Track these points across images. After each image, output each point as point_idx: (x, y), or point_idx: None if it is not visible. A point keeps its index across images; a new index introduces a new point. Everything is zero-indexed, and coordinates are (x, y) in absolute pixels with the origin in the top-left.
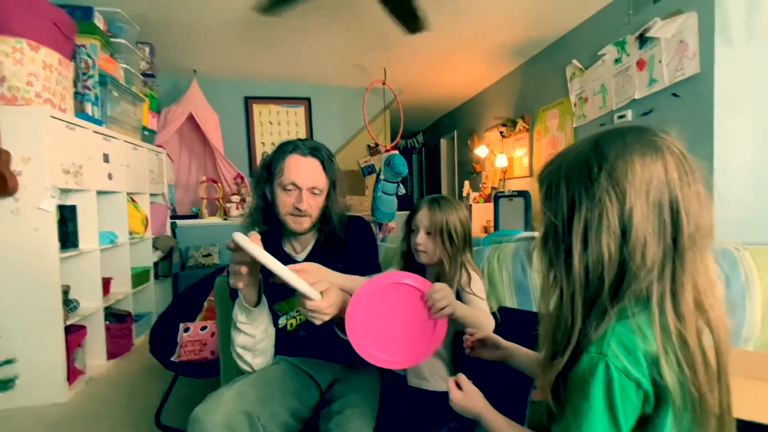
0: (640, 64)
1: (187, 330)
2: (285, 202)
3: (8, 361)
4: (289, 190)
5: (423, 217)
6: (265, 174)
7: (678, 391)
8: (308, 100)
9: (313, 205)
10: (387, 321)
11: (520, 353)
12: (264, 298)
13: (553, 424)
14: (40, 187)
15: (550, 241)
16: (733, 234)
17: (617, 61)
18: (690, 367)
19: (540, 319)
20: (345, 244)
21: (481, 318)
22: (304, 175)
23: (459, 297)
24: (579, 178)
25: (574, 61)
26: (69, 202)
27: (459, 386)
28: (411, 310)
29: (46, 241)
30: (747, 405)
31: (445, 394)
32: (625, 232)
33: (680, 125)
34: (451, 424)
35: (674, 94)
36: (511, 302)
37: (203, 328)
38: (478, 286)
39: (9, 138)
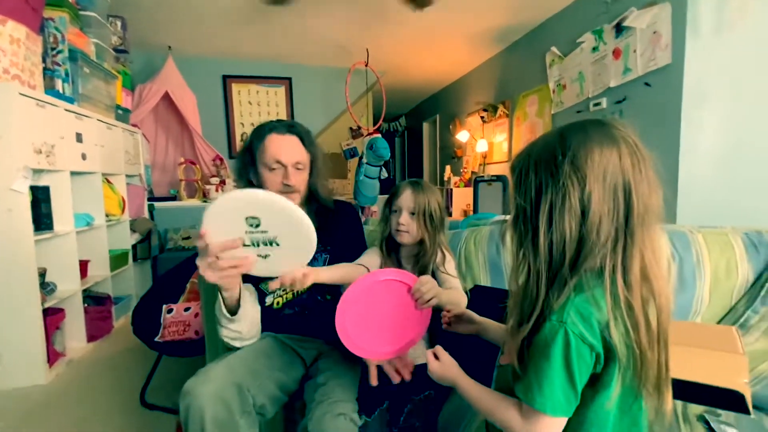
0: (616, 53)
1: (170, 311)
2: (273, 180)
3: None
4: (275, 168)
5: (406, 198)
6: (248, 157)
7: (624, 350)
8: (289, 80)
9: (300, 180)
10: (377, 317)
11: (492, 327)
12: (243, 297)
13: (516, 384)
14: (11, 167)
15: (520, 222)
16: (696, 215)
17: (595, 49)
18: (634, 329)
19: (509, 293)
20: (335, 228)
21: (458, 298)
22: (286, 151)
23: (434, 275)
24: (546, 165)
25: (553, 48)
26: (42, 183)
27: (436, 357)
28: (399, 304)
29: (19, 223)
30: (687, 368)
31: (422, 366)
32: (584, 213)
33: (651, 113)
34: (427, 392)
35: (646, 84)
36: (485, 281)
37: (187, 309)
38: (451, 265)
39: None
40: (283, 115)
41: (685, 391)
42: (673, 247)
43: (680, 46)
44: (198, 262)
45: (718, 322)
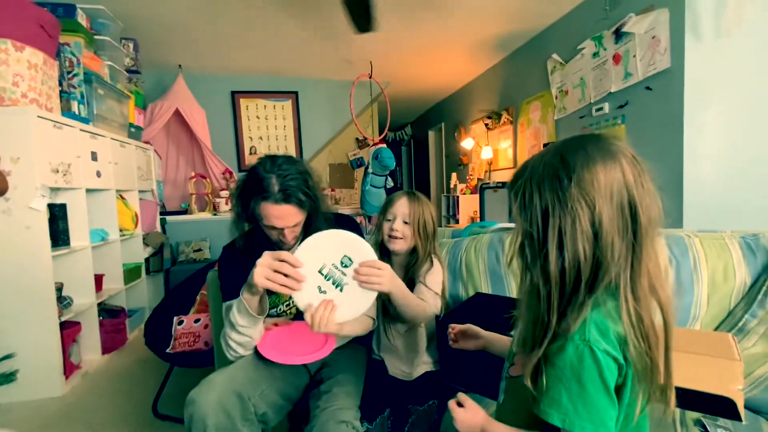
0: (616, 58)
1: (181, 323)
2: (270, 233)
3: (8, 356)
4: (271, 228)
5: (401, 206)
6: (243, 204)
7: (639, 362)
8: (295, 93)
9: (297, 231)
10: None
11: (498, 340)
12: (268, 304)
13: (545, 411)
14: (29, 186)
15: (527, 247)
16: (702, 218)
17: (595, 55)
18: (645, 341)
19: (518, 317)
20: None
21: (415, 303)
22: (282, 220)
23: (413, 283)
24: (551, 189)
25: (555, 55)
26: (59, 201)
27: (460, 404)
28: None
29: (38, 240)
30: (681, 375)
31: (425, 376)
32: (596, 235)
33: (653, 117)
34: (430, 401)
35: (647, 88)
36: (486, 288)
37: (196, 321)
38: (435, 276)
39: None
40: (290, 128)
41: (679, 398)
42: (671, 252)
43: (679, 50)
44: (265, 256)
45: (717, 327)
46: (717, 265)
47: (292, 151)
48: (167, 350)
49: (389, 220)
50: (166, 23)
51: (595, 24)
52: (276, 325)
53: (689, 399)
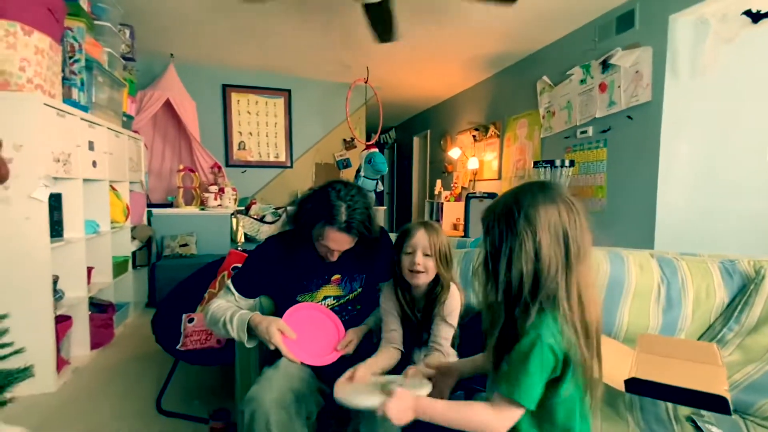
0: (602, 87)
1: (191, 320)
2: (320, 248)
3: (19, 350)
4: (324, 246)
5: (421, 239)
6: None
7: (575, 357)
8: (288, 91)
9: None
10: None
11: (467, 363)
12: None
13: (500, 384)
14: (31, 175)
15: (490, 263)
16: (672, 240)
17: (582, 81)
18: (576, 337)
19: (483, 316)
20: (376, 255)
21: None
22: (338, 244)
23: (431, 317)
24: (506, 221)
25: (545, 77)
26: (55, 191)
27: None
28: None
29: (37, 231)
30: (679, 376)
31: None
32: (537, 255)
33: (632, 144)
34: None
35: (629, 117)
36: None
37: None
38: (454, 303)
39: (0, 124)
40: (281, 125)
41: (672, 394)
42: (662, 272)
43: (660, 85)
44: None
45: (699, 338)
46: (701, 285)
47: (282, 149)
48: (177, 347)
49: (409, 254)
50: (162, 10)
51: (584, 53)
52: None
53: (685, 396)
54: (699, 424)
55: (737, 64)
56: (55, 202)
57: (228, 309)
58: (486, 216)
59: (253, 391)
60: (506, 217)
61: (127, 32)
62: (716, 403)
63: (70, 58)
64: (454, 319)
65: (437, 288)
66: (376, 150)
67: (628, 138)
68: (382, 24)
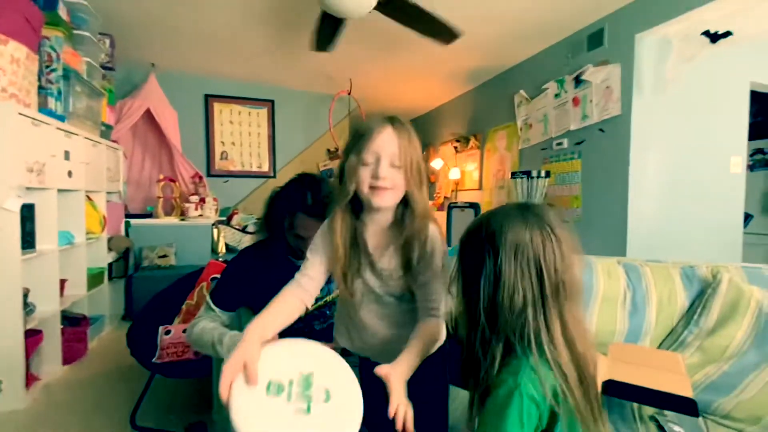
0: (575, 101)
1: (168, 332)
2: (294, 243)
3: None
4: (297, 235)
5: (387, 142)
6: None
7: (566, 407)
8: (272, 102)
9: None
10: None
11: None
12: None
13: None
14: (4, 185)
15: (459, 284)
16: (643, 246)
17: (557, 95)
18: (565, 381)
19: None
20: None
21: (427, 349)
22: (312, 230)
23: (410, 263)
24: (474, 239)
25: (522, 91)
26: (27, 201)
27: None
28: None
29: (8, 243)
30: (650, 380)
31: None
32: (498, 281)
33: (605, 156)
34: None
35: (600, 130)
36: None
37: (185, 331)
38: (438, 244)
39: None
40: (264, 136)
41: (647, 397)
42: (628, 278)
43: (628, 100)
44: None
45: (663, 340)
46: (663, 290)
47: (265, 159)
48: (153, 360)
49: (368, 165)
50: (143, 19)
51: (558, 68)
52: None
53: (659, 399)
54: (662, 423)
55: (697, 81)
56: (28, 212)
57: (214, 330)
58: (463, 235)
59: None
60: (475, 236)
61: (107, 41)
62: (686, 406)
63: (47, 67)
64: (443, 272)
65: (407, 217)
66: None
67: (600, 150)
68: (437, 30)
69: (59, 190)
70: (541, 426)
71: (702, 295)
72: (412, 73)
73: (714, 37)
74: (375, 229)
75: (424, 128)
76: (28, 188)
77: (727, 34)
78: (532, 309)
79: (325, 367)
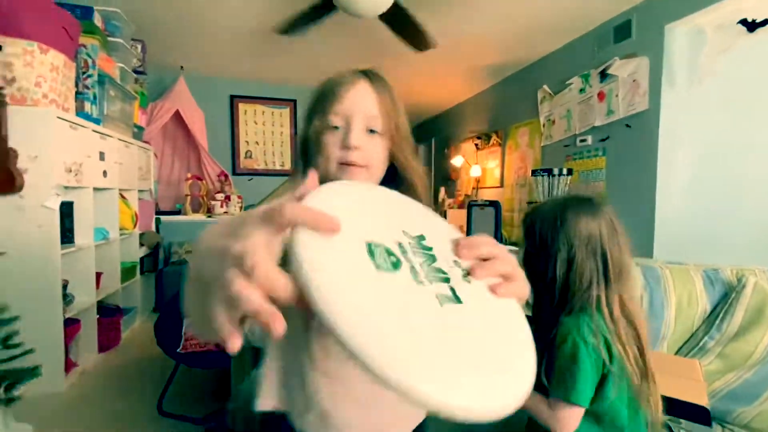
0: (601, 96)
1: None
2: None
3: (29, 351)
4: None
5: (362, 100)
6: None
7: (616, 360)
8: (294, 101)
9: None
10: None
11: None
12: None
13: (553, 389)
14: (45, 185)
15: (527, 262)
16: (671, 248)
17: (582, 90)
18: (621, 346)
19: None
20: None
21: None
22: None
23: None
24: (549, 227)
25: (545, 86)
26: (66, 199)
27: None
28: None
29: (49, 238)
30: (663, 386)
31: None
32: (571, 265)
33: (631, 152)
34: None
35: (627, 125)
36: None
37: None
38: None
39: (17, 137)
40: (287, 135)
41: (670, 406)
42: (645, 280)
43: (656, 94)
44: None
45: (682, 346)
46: (683, 293)
47: (288, 158)
48: (178, 350)
49: (335, 128)
50: (173, 24)
51: (583, 62)
52: None
53: (669, 405)
54: (675, 431)
55: (735, 73)
56: (67, 210)
57: None
58: (529, 217)
59: (237, 391)
60: (550, 224)
61: (139, 47)
62: (698, 414)
63: (84, 73)
64: None
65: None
66: None
67: (626, 147)
68: (412, 34)
69: (95, 189)
70: (604, 370)
71: (725, 299)
72: (433, 70)
73: (752, 26)
74: None
75: (445, 126)
76: (66, 187)
77: (766, 22)
78: (596, 286)
79: (429, 223)
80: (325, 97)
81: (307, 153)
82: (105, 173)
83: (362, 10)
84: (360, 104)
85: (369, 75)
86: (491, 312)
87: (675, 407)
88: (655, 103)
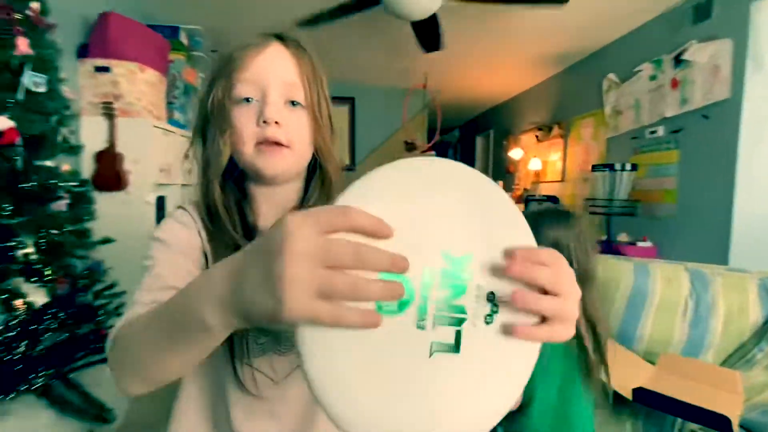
0: (674, 83)
1: None
2: None
3: None
4: None
5: (278, 65)
6: None
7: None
8: (352, 99)
9: None
10: None
11: None
12: None
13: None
14: (145, 183)
15: None
16: (753, 254)
17: (652, 77)
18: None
19: None
20: None
21: None
22: None
23: None
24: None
25: (611, 75)
26: (160, 194)
27: None
28: None
29: (147, 228)
30: (695, 396)
31: None
32: None
33: (707, 146)
34: None
35: (704, 116)
36: None
37: None
38: None
39: (123, 143)
40: (344, 131)
41: (677, 408)
42: (692, 286)
43: (739, 81)
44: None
45: (729, 356)
46: (733, 302)
47: (346, 153)
48: None
49: (246, 100)
50: (240, 33)
51: (654, 47)
52: None
53: (689, 412)
54: None
55: None
56: (160, 203)
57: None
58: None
59: None
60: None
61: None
62: (718, 422)
63: (172, 85)
64: None
65: (313, 191)
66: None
67: (702, 139)
68: (430, 35)
69: (182, 185)
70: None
71: None
72: (491, 60)
73: None
74: (273, 215)
75: (503, 117)
76: (159, 184)
77: None
78: None
79: (496, 232)
80: (231, 61)
81: (205, 132)
82: (189, 171)
83: (409, 14)
84: (275, 70)
85: (283, 38)
86: (490, 362)
87: (692, 413)
88: (738, 91)
